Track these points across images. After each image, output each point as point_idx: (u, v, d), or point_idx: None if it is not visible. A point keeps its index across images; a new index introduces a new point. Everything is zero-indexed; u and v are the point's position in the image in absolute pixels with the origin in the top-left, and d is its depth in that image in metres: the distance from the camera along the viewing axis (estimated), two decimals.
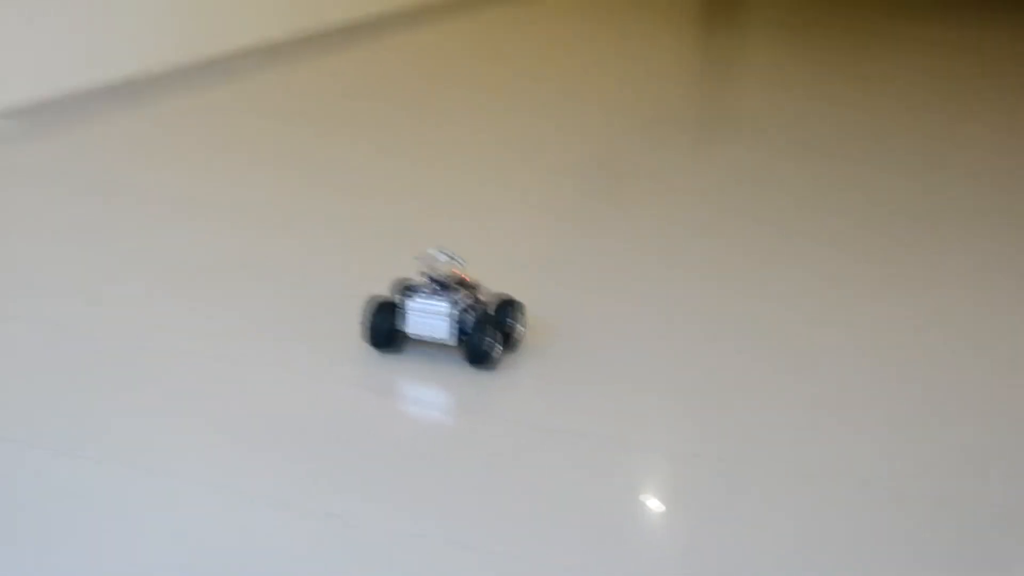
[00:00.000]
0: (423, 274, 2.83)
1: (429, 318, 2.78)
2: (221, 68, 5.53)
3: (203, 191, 3.98)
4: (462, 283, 2.83)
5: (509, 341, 2.84)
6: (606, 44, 6.78)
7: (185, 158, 4.35)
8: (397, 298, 2.82)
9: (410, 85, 5.61)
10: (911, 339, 3.10)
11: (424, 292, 2.80)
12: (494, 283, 2.96)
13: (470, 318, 2.77)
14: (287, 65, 5.80)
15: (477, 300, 2.83)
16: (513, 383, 2.74)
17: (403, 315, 2.80)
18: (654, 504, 2.39)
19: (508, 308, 2.85)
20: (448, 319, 2.77)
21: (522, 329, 2.88)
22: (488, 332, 2.75)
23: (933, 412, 2.71)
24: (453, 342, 2.79)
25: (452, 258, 2.84)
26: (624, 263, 3.54)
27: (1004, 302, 3.39)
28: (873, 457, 2.50)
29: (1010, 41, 7.46)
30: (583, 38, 6.92)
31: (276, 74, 5.66)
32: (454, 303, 2.78)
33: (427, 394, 2.74)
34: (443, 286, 2.81)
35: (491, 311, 2.83)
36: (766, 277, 3.48)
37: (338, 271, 3.33)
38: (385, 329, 2.79)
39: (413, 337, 2.82)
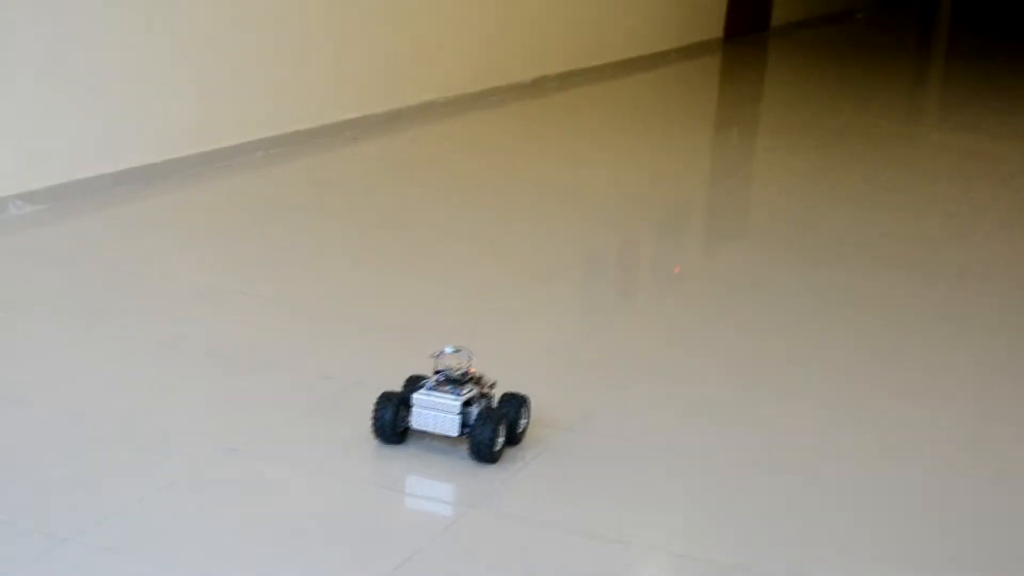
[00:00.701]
0: (435, 371, 2.90)
1: (436, 413, 2.84)
2: (241, 157, 5.64)
3: (220, 280, 4.06)
4: (469, 378, 2.89)
5: (513, 434, 2.90)
6: (618, 141, 6.88)
7: (203, 246, 4.44)
8: (406, 394, 2.89)
9: (424, 179, 5.71)
10: (924, 446, 3.14)
11: (431, 387, 2.87)
12: (502, 377, 3.02)
13: (475, 412, 2.84)
14: (307, 155, 5.91)
15: (483, 394, 2.89)
16: (516, 477, 2.79)
17: (412, 410, 2.86)
18: None
19: (513, 402, 2.91)
20: (453, 414, 2.83)
21: (526, 423, 2.94)
22: (491, 426, 2.80)
23: (936, 521, 2.75)
24: (457, 435, 2.85)
25: (461, 352, 2.91)
26: (632, 359, 3.60)
27: (1009, 411, 3.44)
28: (881, 566, 2.54)
29: None
30: (594, 135, 7.03)
31: (297, 164, 5.77)
32: (461, 398, 2.84)
33: (431, 488, 2.79)
34: (451, 381, 2.87)
35: (499, 405, 2.89)
36: (774, 375, 3.53)
37: (352, 365, 3.40)
38: (393, 425, 2.85)
39: (420, 430, 2.88)
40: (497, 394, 2.95)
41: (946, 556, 2.58)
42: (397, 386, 2.97)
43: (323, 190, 5.35)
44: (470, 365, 2.91)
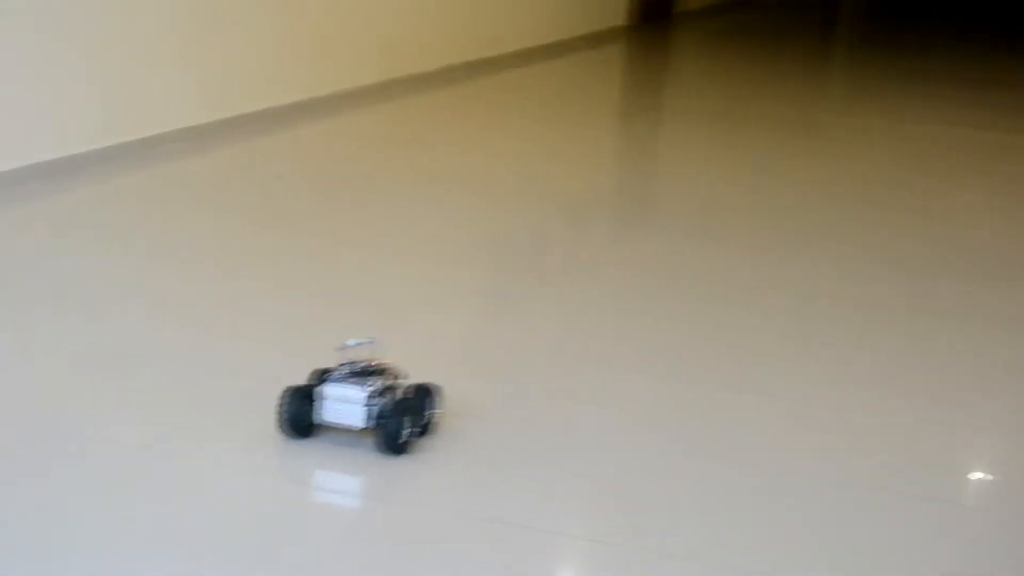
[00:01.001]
0: (341, 364, 2.85)
1: (343, 405, 2.79)
2: (144, 153, 5.54)
3: (123, 277, 3.97)
4: (376, 369, 2.85)
5: (424, 426, 2.86)
6: (525, 130, 6.87)
7: (106, 243, 4.34)
8: (312, 387, 2.84)
9: (330, 172, 5.65)
10: (851, 436, 3.16)
11: (339, 379, 2.82)
12: (414, 368, 2.99)
13: (385, 404, 2.79)
14: (210, 151, 5.81)
15: (392, 386, 2.85)
16: (427, 468, 2.76)
17: (318, 403, 2.81)
18: None
19: (424, 393, 2.87)
20: (362, 406, 2.78)
21: (438, 413, 2.91)
22: (401, 418, 2.77)
23: (852, 511, 2.77)
24: (367, 427, 2.80)
25: (367, 343, 2.87)
26: (542, 349, 3.58)
27: (925, 395, 3.48)
28: (796, 556, 2.55)
29: (942, 132, 7.65)
30: (501, 124, 7.01)
31: (201, 160, 5.67)
32: (368, 389, 2.79)
33: (340, 482, 2.75)
34: (359, 373, 2.83)
35: (408, 395, 2.84)
36: (684, 361, 3.53)
37: (256, 361, 3.34)
38: (299, 419, 2.80)
39: (328, 425, 2.83)
40: (406, 384, 2.91)
41: (873, 559, 2.59)
42: (304, 381, 2.92)
43: (227, 186, 5.26)
44: (377, 356, 2.87)
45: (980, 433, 3.16)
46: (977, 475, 2.98)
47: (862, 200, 5.59)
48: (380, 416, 2.78)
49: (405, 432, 2.77)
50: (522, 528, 2.52)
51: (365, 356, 2.87)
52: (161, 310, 3.68)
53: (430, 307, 3.86)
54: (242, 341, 3.46)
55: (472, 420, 2.99)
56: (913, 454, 2.98)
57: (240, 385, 3.12)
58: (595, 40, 10.16)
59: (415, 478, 2.72)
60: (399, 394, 2.85)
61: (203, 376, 3.18)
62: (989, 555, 2.54)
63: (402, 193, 5.25)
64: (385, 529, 2.52)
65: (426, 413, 2.87)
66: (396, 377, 2.88)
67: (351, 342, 2.87)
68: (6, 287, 3.83)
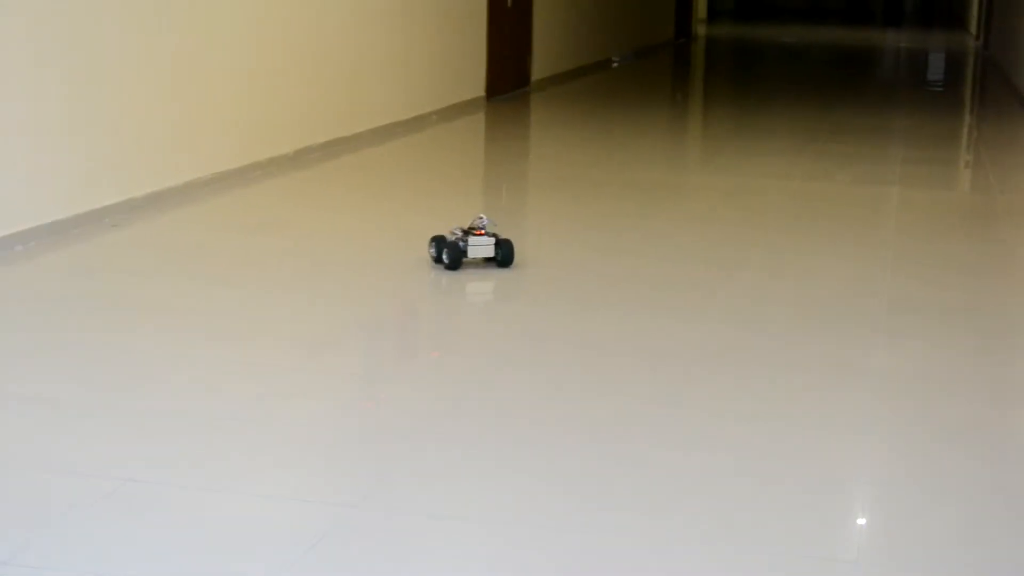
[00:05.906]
0: (469, 227, 5.50)
1: (481, 247, 5.46)
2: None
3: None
4: (489, 227, 5.52)
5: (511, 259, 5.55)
6: (384, 207, 6.81)
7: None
8: (463, 239, 5.44)
9: (190, 262, 5.52)
10: (697, 490, 3.26)
11: (472, 234, 5.47)
12: None
13: (497, 245, 5.48)
14: (68, 246, 5.67)
15: (497, 235, 5.52)
16: (523, 278, 5.38)
17: (468, 247, 5.43)
18: None
19: (507, 241, 5.53)
20: (492, 245, 5.47)
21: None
22: (509, 248, 5.47)
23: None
24: (493, 255, 5.48)
25: (485, 219, 5.57)
26: (416, 425, 3.73)
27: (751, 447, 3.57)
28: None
29: (785, 186, 7.79)
30: (361, 203, 6.93)
31: (58, 255, 5.56)
32: (494, 237, 5.48)
33: (480, 286, 5.32)
34: (475, 231, 5.50)
35: (505, 239, 5.53)
36: (546, 429, 3.67)
37: (120, 460, 3.36)
38: (458, 257, 5.43)
39: (472, 257, 5.47)
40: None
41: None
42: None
43: (86, 280, 5.18)
44: (487, 227, 5.52)
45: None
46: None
47: (711, 260, 5.80)
48: (495, 250, 5.47)
49: (512, 256, 5.49)
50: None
51: (476, 224, 5.48)
52: (14, 411, 3.72)
53: (296, 391, 3.92)
54: (105, 440, 3.49)
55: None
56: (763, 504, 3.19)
57: (106, 488, 3.17)
58: (454, 113, 10.23)
59: (517, 282, 5.32)
60: (501, 238, 5.55)
61: (59, 479, 3.24)
62: None
63: (262, 280, 5.20)
64: (513, 311, 5.01)
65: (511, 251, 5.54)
66: (493, 232, 5.57)
67: (483, 216, 5.55)
68: None
